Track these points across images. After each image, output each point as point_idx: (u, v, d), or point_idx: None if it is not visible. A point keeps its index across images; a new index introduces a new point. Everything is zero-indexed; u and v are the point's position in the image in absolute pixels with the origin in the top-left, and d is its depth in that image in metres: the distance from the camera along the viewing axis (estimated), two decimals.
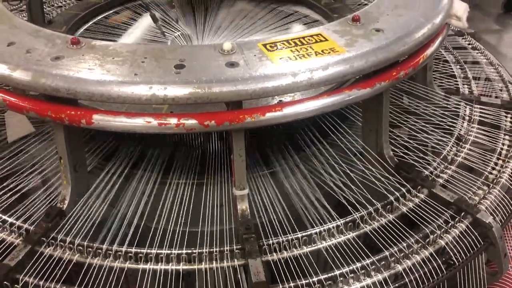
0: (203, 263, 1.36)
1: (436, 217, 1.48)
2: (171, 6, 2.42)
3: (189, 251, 1.36)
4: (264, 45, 1.42)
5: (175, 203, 1.55)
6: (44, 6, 2.52)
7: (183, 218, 1.49)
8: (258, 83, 1.28)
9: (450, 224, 1.46)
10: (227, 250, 1.37)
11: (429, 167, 1.66)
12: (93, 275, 1.34)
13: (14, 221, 1.47)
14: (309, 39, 1.46)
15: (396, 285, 1.33)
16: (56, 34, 1.50)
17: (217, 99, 1.28)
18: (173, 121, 1.31)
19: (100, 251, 1.37)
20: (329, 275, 1.32)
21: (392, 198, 1.51)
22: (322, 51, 1.40)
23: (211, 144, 1.80)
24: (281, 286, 1.30)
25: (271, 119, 1.36)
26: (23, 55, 1.38)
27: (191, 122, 1.31)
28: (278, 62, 1.35)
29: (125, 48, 1.42)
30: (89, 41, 1.45)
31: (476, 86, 2.15)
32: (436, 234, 1.42)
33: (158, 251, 1.36)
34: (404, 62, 1.54)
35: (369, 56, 1.40)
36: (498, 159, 1.74)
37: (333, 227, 1.42)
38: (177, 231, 1.44)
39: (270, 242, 1.38)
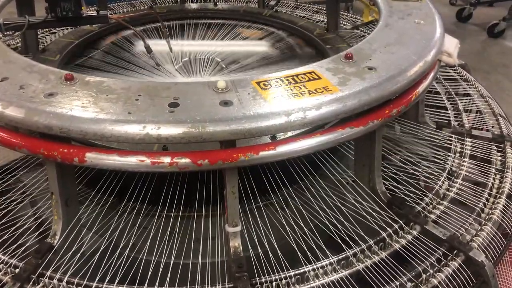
0: None
1: (429, 254, 1.48)
2: (165, 35, 2.42)
3: None
4: (258, 83, 1.43)
5: (166, 235, 1.55)
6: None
7: (176, 251, 1.48)
8: (251, 123, 1.28)
9: (443, 262, 1.46)
10: None
11: (421, 202, 1.66)
12: None
13: (2, 257, 1.46)
14: (302, 77, 1.46)
15: None
16: (50, 70, 1.50)
17: (211, 138, 1.28)
18: (166, 160, 1.30)
19: None
20: None
21: (384, 234, 1.51)
22: (316, 90, 1.40)
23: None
24: None
25: (265, 158, 1.36)
26: (17, 91, 1.38)
27: (185, 161, 1.30)
28: (272, 101, 1.35)
29: (120, 85, 1.42)
30: (83, 76, 1.45)
31: (467, 119, 2.16)
32: (429, 273, 1.42)
33: None
34: (396, 99, 1.55)
35: (362, 95, 1.41)
36: (489, 194, 1.74)
37: (326, 265, 1.42)
38: (169, 263, 1.45)
39: (263, 280, 1.37)
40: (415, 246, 1.50)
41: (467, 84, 2.45)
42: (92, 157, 1.33)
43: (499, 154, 1.94)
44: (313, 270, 1.41)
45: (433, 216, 1.62)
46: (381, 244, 1.50)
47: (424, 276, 1.41)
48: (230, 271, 1.40)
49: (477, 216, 1.65)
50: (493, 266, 1.49)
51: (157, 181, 1.68)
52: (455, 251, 1.48)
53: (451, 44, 1.83)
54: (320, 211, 1.60)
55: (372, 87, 1.44)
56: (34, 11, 2.32)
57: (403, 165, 1.81)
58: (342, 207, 1.61)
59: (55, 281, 1.36)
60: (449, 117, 2.16)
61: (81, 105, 1.32)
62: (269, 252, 1.46)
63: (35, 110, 1.31)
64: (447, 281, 1.43)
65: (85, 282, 1.36)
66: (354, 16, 3.22)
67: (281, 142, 1.38)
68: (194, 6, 3.00)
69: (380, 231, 1.53)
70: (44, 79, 1.44)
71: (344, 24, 2.98)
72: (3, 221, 1.60)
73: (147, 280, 1.37)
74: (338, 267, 1.43)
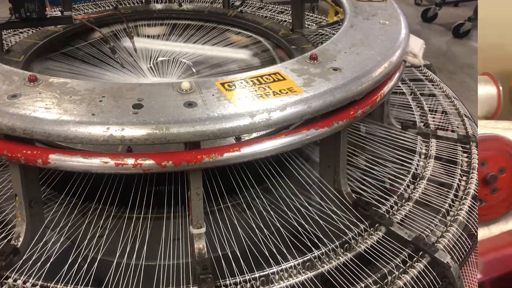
0: None
1: (394, 256, 1.48)
2: (130, 36, 2.40)
3: None
4: (223, 84, 1.42)
5: (132, 236, 1.53)
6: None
7: (140, 252, 1.47)
8: (216, 124, 1.28)
9: (408, 264, 1.46)
10: None
11: (386, 203, 1.66)
12: None
13: None
14: (267, 78, 1.46)
15: None
16: (14, 71, 1.48)
17: (175, 140, 1.27)
18: (130, 161, 1.29)
19: None
20: None
21: (350, 235, 1.51)
22: (280, 91, 1.40)
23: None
24: None
25: (229, 159, 1.35)
26: None
27: (149, 162, 1.29)
28: (236, 102, 1.35)
29: (83, 86, 1.40)
30: (46, 78, 1.44)
31: (433, 120, 2.18)
32: (394, 275, 1.42)
33: None
34: (361, 100, 1.56)
35: (327, 96, 1.41)
36: (455, 195, 1.74)
37: (291, 267, 1.41)
38: (134, 265, 1.43)
39: (227, 282, 1.36)
40: (380, 248, 1.50)
41: (433, 85, 2.47)
42: (56, 159, 1.31)
43: (464, 155, 1.95)
44: (278, 272, 1.40)
45: (398, 218, 1.62)
46: (346, 245, 1.49)
47: (389, 277, 1.41)
48: (194, 272, 1.40)
49: (443, 217, 1.65)
50: (458, 268, 1.49)
51: (123, 182, 1.67)
52: (421, 253, 1.48)
53: (416, 45, 1.84)
54: (287, 212, 1.60)
55: (337, 88, 1.45)
56: None
57: (368, 166, 1.82)
58: (308, 208, 1.61)
59: (19, 283, 1.34)
60: (414, 117, 2.17)
61: (44, 107, 1.30)
62: (234, 254, 1.45)
63: None
64: (412, 282, 1.42)
65: (52, 285, 1.34)
66: (319, 16, 3.22)
67: (246, 143, 1.38)
68: (159, 6, 2.99)
69: (346, 232, 1.53)
70: (8, 80, 1.42)
71: (309, 25, 2.98)
72: None
73: (112, 282, 1.36)
74: (303, 269, 1.42)
